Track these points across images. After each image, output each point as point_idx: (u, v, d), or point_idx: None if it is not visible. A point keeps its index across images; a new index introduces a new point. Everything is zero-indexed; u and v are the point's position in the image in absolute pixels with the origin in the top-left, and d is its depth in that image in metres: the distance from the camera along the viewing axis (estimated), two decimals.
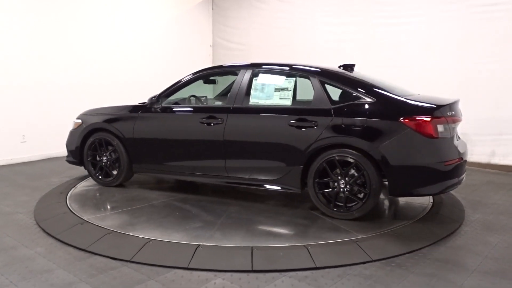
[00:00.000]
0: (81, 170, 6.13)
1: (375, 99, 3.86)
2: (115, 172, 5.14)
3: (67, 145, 5.55)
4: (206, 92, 5.76)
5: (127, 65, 8.33)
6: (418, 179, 3.75)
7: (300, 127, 4.02)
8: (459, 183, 3.93)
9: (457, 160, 3.83)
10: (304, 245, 3.34)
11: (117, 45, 8.17)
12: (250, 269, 3.00)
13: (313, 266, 3.04)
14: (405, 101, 3.84)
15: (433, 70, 6.79)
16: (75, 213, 4.14)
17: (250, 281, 2.84)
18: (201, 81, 4.98)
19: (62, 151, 7.34)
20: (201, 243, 3.36)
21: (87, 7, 7.61)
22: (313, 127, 3.96)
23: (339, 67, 4.50)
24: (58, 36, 7.20)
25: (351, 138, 3.83)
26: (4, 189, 5.21)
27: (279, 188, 4.25)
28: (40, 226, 3.86)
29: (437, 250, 3.35)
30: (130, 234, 3.59)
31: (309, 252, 3.22)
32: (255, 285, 2.79)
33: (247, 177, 4.37)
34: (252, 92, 4.37)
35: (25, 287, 2.75)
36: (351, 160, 3.83)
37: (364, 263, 3.10)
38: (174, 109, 4.82)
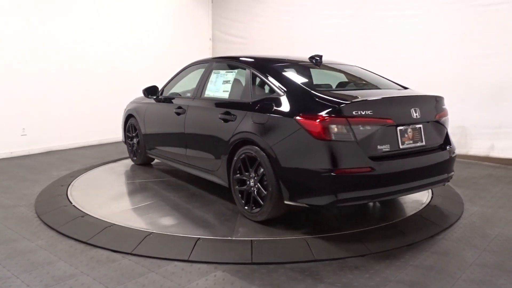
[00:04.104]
0: (81, 163, 6.16)
1: (283, 94, 3.57)
2: None
3: (122, 130, 6.32)
4: None
5: (126, 59, 8.32)
6: (306, 186, 3.30)
7: (225, 120, 3.96)
8: (375, 197, 3.34)
9: (361, 169, 3.16)
10: (303, 238, 3.36)
11: (115, 38, 8.15)
12: (250, 261, 3.02)
13: (312, 258, 3.06)
14: (308, 97, 3.45)
15: (433, 63, 6.78)
16: (75, 206, 4.16)
17: (250, 273, 2.86)
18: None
19: (62, 144, 7.39)
20: (201, 236, 3.39)
21: (85, 1, 7.58)
22: (232, 121, 3.88)
23: (309, 58, 4.30)
24: (57, 29, 7.18)
25: (255, 134, 3.60)
26: (5, 182, 5.22)
27: (216, 180, 4.25)
28: (41, 219, 3.88)
29: (436, 243, 3.37)
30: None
31: (308, 245, 3.24)
32: (255, 276, 2.81)
33: (199, 166, 4.52)
34: (208, 84, 4.52)
35: (26, 279, 2.77)
36: (258, 159, 3.58)
37: (363, 255, 3.12)
38: (164, 100, 5.22)
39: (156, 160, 5.93)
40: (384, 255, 3.13)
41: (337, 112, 3.16)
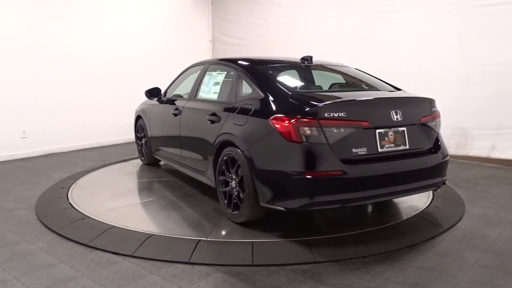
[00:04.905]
0: (82, 165, 6.16)
1: (263, 95, 3.56)
2: None
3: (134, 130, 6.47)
4: None
5: (127, 60, 8.33)
6: (279, 189, 3.25)
7: (212, 122, 3.99)
8: (350, 201, 3.21)
9: (332, 172, 3.08)
10: (304, 239, 3.35)
11: (116, 40, 8.16)
12: (251, 263, 3.02)
13: (313, 260, 3.06)
14: (284, 98, 3.43)
15: (432, 64, 6.77)
16: (76, 208, 4.16)
17: (251, 275, 2.86)
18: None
19: (62, 146, 7.39)
20: (202, 238, 3.38)
21: (86, 2, 7.60)
22: (218, 122, 3.90)
23: (301, 59, 4.28)
24: (57, 31, 7.19)
25: (234, 136, 3.61)
26: (5, 184, 5.22)
27: (205, 181, 4.26)
28: (41, 222, 3.88)
29: (437, 244, 3.36)
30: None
31: (309, 246, 3.24)
32: (256, 278, 2.81)
33: (192, 167, 4.57)
34: (201, 86, 4.58)
35: (27, 282, 2.77)
36: (238, 161, 3.56)
37: (364, 257, 3.12)
38: (166, 102, 5.29)
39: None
40: (385, 257, 3.13)
41: (308, 114, 3.11)
